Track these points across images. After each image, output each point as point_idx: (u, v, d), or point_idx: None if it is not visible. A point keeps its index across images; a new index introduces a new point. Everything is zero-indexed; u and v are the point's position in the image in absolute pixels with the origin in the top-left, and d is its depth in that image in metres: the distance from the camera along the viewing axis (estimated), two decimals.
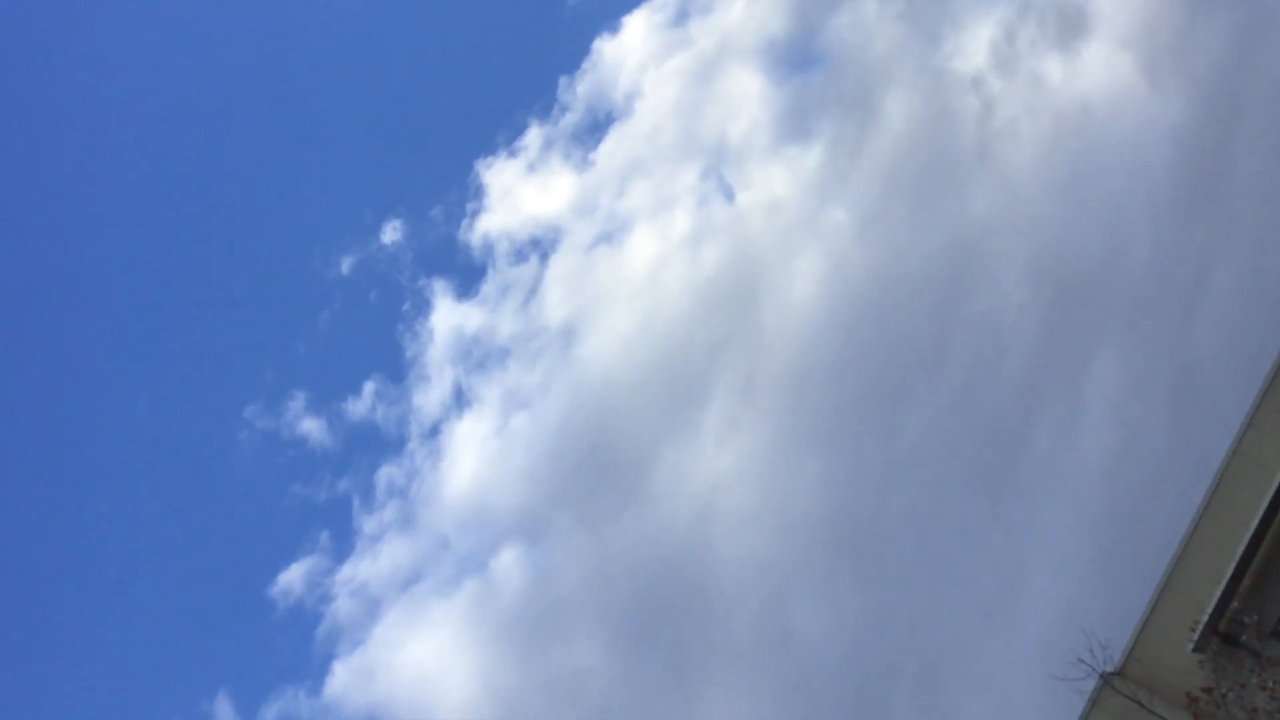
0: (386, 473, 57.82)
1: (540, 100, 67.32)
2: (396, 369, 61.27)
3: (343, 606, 54.87)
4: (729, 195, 62.68)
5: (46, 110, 58.63)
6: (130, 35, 61.28)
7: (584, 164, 62.77)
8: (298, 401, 57.58)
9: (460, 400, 59.82)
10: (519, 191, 62.53)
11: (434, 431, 59.31)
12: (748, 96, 62.67)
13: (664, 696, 47.74)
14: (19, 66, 57.58)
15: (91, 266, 60.03)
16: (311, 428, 57.06)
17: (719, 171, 62.36)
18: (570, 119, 62.67)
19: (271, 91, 64.99)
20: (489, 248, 60.95)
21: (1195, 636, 20.19)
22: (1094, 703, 20.37)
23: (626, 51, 64.00)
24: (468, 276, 63.54)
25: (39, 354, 58.36)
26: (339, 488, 57.56)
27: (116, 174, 61.16)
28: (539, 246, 61.25)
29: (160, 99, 62.00)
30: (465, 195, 63.11)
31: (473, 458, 59.24)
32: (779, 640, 46.74)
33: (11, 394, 56.84)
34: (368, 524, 57.39)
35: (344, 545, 58.12)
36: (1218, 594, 20.30)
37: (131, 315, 60.82)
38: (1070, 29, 55.11)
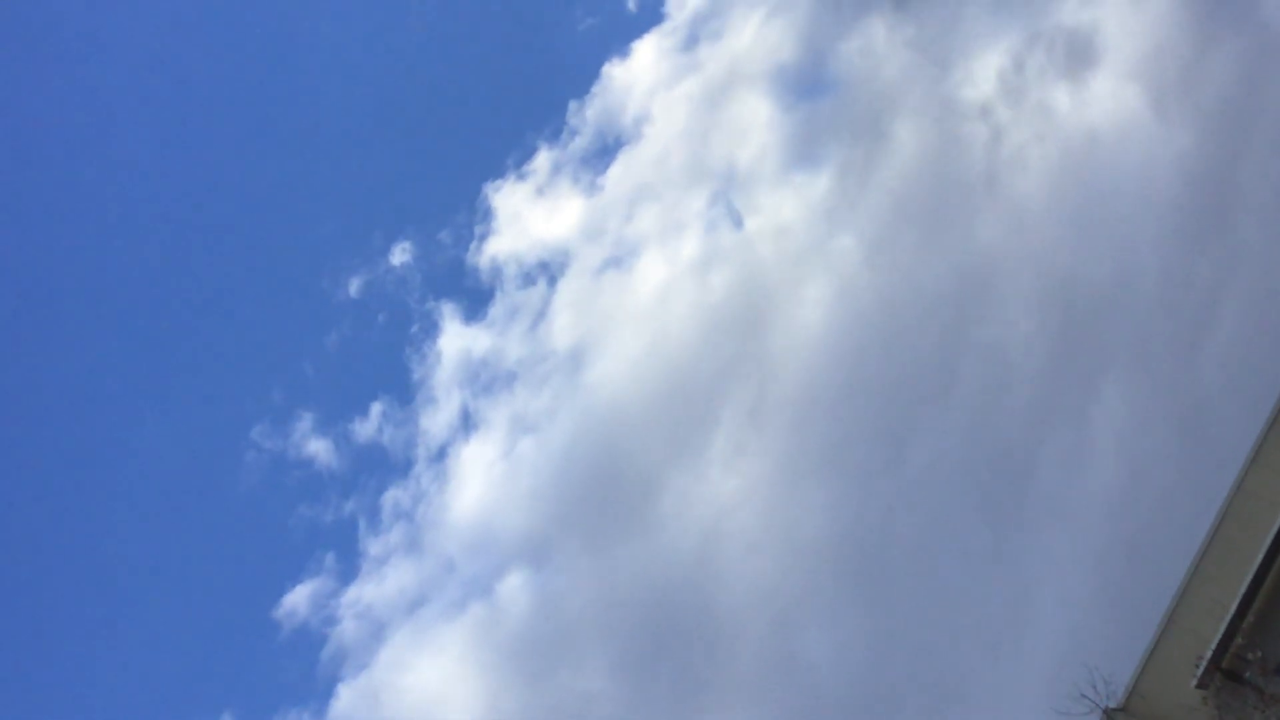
0: (393, 495, 57.94)
1: (550, 124, 67.62)
2: (404, 391, 61.43)
3: (348, 629, 54.93)
4: (737, 221, 62.87)
5: (56, 136, 59.08)
6: (142, 61, 61.81)
7: (592, 188, 63.05)
8: (305, 422, 57.76)
9: (467, 423, 59.98)
10: (527, 215, 62.78)
11: (441, 454, 59.43)
12: (757, 122, 62.91)
13: None
14: (26, 103, 58.07)
15: (101, 287, 60.42)
16: (319, 449, 57.22)
17: (727, 197, 62.56)
18: (579, 143, 62.95)
19: (282, 114, 65.44)
20: (497, 271, 61.18)
21: (1199, 672, 20.20)
22: None
23: (636, 76, 64.36)
24: (476, 299, 63.72)
25: (48, 373, 58.65)
26: (345, 509, 57.66)
27: (128, 196, 61.58)
28: (547, 270, 61.48)
29: (172, 123, 62.48)
30: (473, 218, 63.33)
31: (479, 481, 59.36)
32: (784, 665, 46.69)
33: (21, 413, 57.14)
34: (374, 546, 57.49)
35: (349, 567, 58.27)
36: (1221, 630, 20.31)
37: (141, 335, 61.17)
38: (1079, 59, 55.32)
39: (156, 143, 61.91)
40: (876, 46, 60.84)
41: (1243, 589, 20.51)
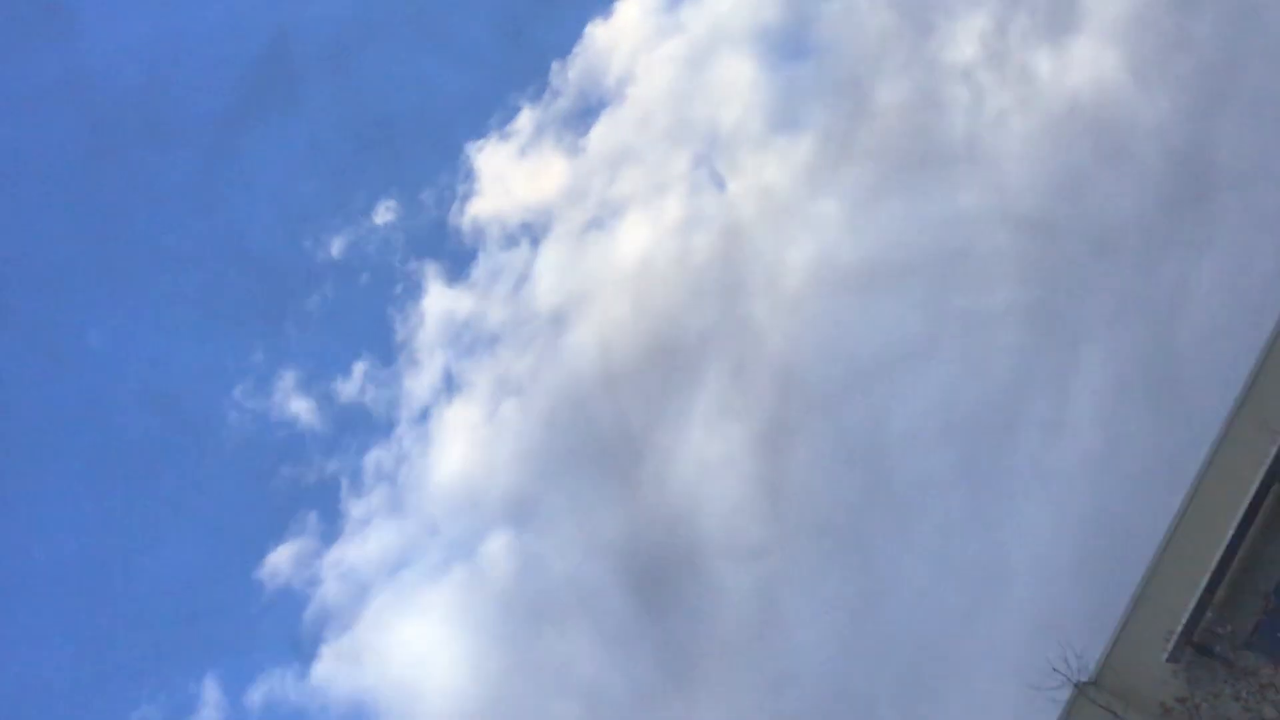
0: (376, 456, 57.95)
1: (532, 84, 67.13)
2: (387, 352, 61.26)
3: (330, 590, 55.03)
4: (720, 184, 62.76)
5: (30, 77, 58.54)
6: (118, 9, 61.14)
7: (575, 149, 62.77)
8: (286, 382, 57.70)
9: (450, 385, 59.96)
10: (510, 175, 62.55)
11: (424, 416, 59.42)
12: (740, 84, 62.68)
13: (653, 683, 48.09)
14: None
15: (79, 245, 60.00)
16: (300, 409, 57.20)
17: (710, 159, 62.41)
18: (562, 103, 62.65)
19: (261, 70, 64.75)
20: (479, 232, 61.02)
21: (1170, 646, 20.53)
22: (1069, 713, 20.67)
23: (619, 36, 63.87)
24: (458, 261, 63.44)
25: (23, 332, 58.38)
26: (328, 470, 57.70)
27: (102, 149, 61.01)
28: (529, 231, 61.31)
29: (148, 75, 61.85)
30: (455, 178, 62.89)
31: (462, 443, 59.36)
32: (767, 630, 47.06)
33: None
34: (356, 507, 57.53)
35: (332, 528, 58.16)
36: (1193, 604, 20.65)
37: (120, 294, 60.80)
38: (1060, 23, 55.13)
39: (130, 97, 61.39)
40: (859, 7, 60.60)
41: (1214, 563, 20.84)
